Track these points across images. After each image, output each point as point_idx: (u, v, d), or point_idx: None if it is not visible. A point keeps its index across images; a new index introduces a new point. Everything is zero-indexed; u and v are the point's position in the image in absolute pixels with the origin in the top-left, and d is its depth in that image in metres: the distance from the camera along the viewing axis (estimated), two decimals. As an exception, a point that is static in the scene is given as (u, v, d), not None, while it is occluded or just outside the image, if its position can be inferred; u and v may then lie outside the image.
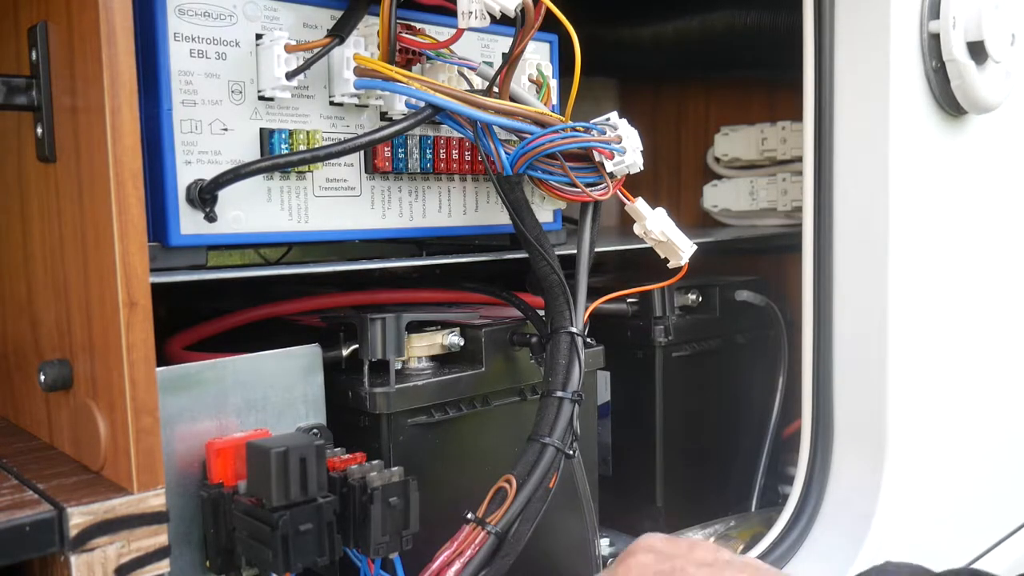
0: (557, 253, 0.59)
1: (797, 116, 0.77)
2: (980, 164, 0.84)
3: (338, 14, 0.54)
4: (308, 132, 0.53)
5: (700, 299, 0.88)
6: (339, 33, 0.52)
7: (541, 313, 0.62)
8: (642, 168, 0.60)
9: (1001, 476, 0.93)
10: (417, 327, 0.62)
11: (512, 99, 0.56)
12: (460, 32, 0.54)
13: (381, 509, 0.48)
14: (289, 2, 0.53)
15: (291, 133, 0.52)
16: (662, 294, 0.83)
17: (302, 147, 0.52)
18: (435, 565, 0.50)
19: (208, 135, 0.50)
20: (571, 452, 0.55)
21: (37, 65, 0.44)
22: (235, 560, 0.48)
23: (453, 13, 0.53)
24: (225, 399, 0.50)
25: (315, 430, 0.53)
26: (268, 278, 0.72)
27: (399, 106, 0.56)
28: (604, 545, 0.81)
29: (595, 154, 0.57)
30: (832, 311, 0.76)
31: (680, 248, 0.61)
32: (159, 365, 0.43)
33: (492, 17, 0.51)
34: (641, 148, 0.59)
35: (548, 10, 0.53)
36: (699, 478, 0.89)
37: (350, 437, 0.55)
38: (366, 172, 0.57)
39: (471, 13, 0.52)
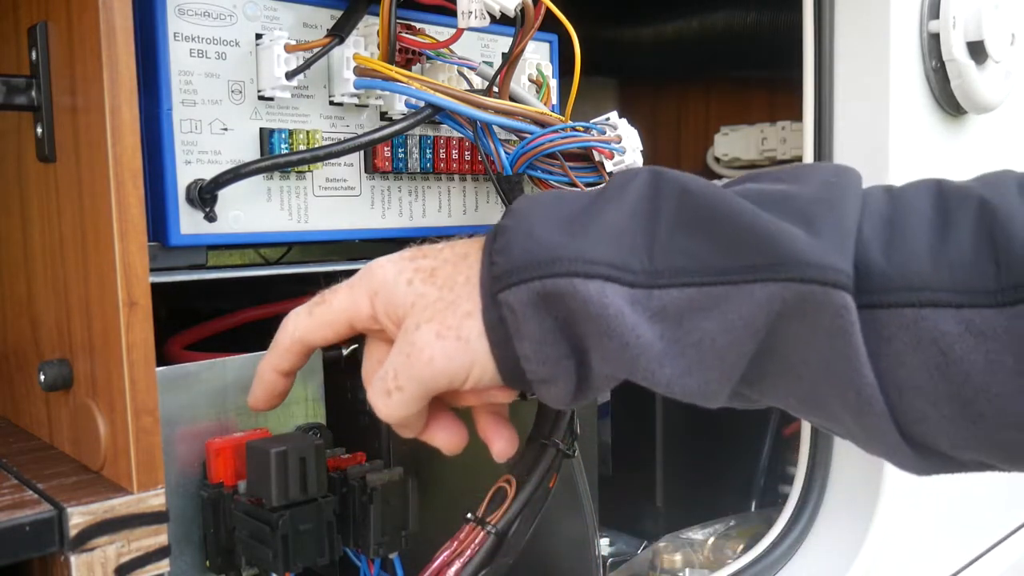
0: (557, 253, 0.59)
1: (797, 116, 0.77)
2: (980, 164, 0.83)
3: (338, 14, 0.54)
4: (308, 132, 0.53)
5: (700, 299, 0.88)
6: (339, 33, 0.52)
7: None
8: (642, 168, 0.60)
9: (1001, 477, 0.92)
10: (417, 327, 0.62)
11: (512, 99, 0.56)
12: (460, 32, 0.54)
13: (380, 509, 0.48)
14: (289, 2, 0.53)
15: (291, 133, 0.52)
16: (662, 294, 0.83)
17: (302, 147, 0.52)
18: (435, 565, 0.50)
19: (208, 135, 0.50)
20: (571, 452, 0.55)
21: (37, 65, 0.44)
22: (235, 560, 0.48)
23: (453, 13, 0.53)
24: (225, 399, 0.50)
25: (315, 430, 0.53)
26: (268, 278, 0.72)
27: (399, 106, 0.56)
28: (604, 545, 0.81)
29: (595, 154, 0.57)
30: (832, 311, 0.75)
31: (680, 248, 0.61)
32: (159, 365, 0.43)
33: (492, 17, 0.51)
34: (641, 148, 0.59)
35: (548, 10, 0.53)
36: (699, 478, 0.89)
37: (350, 437, 0.55)
38: (366, 172, 0.57)
39: (471, 13, 0.51)
